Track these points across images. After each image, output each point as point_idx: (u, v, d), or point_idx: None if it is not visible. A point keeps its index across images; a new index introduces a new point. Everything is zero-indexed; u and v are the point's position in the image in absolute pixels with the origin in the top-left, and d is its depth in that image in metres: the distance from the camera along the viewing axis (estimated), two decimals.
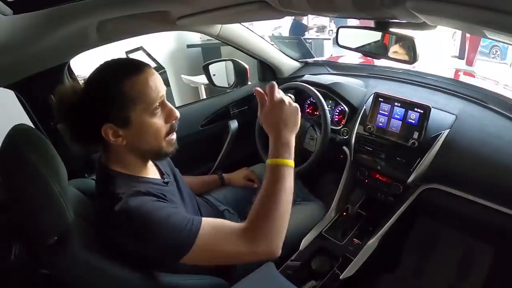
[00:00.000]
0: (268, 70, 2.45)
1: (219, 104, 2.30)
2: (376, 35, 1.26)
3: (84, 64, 1.64)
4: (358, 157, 1.90)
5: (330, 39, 7.72)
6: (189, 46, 5.47)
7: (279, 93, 1.19)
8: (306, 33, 7.96)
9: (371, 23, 1.13)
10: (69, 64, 1.53)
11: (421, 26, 0.97)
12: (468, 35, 7.36)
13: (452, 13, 0.66)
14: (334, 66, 2.48)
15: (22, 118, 1.39)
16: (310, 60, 2.65)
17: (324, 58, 3.66)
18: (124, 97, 1.02)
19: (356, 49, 1.37)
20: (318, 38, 7.93)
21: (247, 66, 2.26)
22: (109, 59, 1.11)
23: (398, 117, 1.68)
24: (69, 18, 1.00)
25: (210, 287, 1.27)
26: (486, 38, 1.17)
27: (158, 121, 1.10)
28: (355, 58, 2.78)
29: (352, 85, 2.01)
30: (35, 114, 1.49)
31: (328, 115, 1.79)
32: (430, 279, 1.97)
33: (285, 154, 1.19)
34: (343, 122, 1.98)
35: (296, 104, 1.21)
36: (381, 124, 1.75)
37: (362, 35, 1.34)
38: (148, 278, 1.12)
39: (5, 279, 1.35)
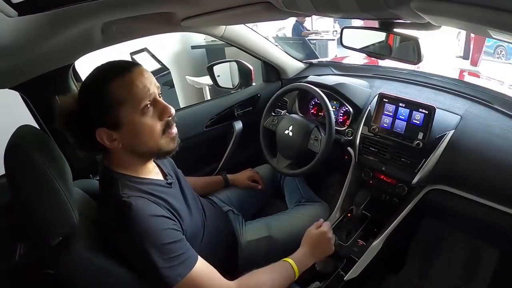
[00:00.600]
0: (272, 71, 2.45)
1: (224, 105, 2.30)
2: (380, 36, 1.25)
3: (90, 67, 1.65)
4: (362, 158, 1.89)
5: (334, 39, 7.71)
6: (193, 47, 5.50)
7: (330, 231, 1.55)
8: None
9: (375, 24, 1.13)
10: (73, 66, 1.53)
11: (426, 26, 0.97)
12: (472, 35, 7.34)
13: (457, 13, 0.66)
14: (339, 66, 2.48)
15: (27, 119, 1.39)
16: (314, 61, 2.65)
17: (328, 59, 3.67)
18: (111, 99, 1.04)
19: (361, 50, 1.37)
20: (322, 39, 7.91)
21: (251, 67, 2.26)
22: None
23: (403, 117, 1.68)
24: (73, 20, 1.01)
25: None
26: (490, 38, 1.16)
27: (151, 119, 1.10)
28: (360, 59, 2.78)
29: (356, 85, 2.01)
30: (40, 115, 1.49)
31: (333, 116, 1.78)
32: (435, 281, 1.96)
33: (299, 265, 1.40)
34: (348, 123, 1.97)
35: (332, 239, 1.55)
36: (385, 125, 1.74)
37: (366, 35, 1.34)
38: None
39: (10, 278, 1.35)
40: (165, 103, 1.13)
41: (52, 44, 1.09)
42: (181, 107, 2.52)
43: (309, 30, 8.20)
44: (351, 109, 1.95)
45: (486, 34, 0.80)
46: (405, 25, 1.07)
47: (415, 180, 1.65)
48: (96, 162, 1.66)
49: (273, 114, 2.09)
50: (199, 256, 1.13)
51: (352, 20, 7.01)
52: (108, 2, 0.92)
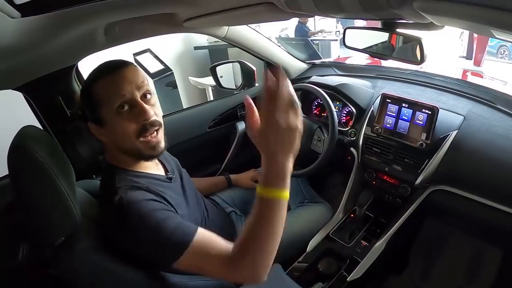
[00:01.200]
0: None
1: (227, 106, 2.30)
2: (383, 36, 1.25)
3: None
4: (365, 159, 1.89)
5: (337, 40, 7.71)
6: (196, 48, 5.50)
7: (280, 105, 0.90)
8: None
9: (378, 24, 1.12)
10: (77, 66, 1.54)
11: (428, 26, 0.97)
12: (475, 35, 7.32)
13: (460, 13, 0.66)
14: (341, 67, 2.48)
15: (31, 119, 1.40)
16: (317, 61, 2.66)
17: (331, 59, 3.65)
18: (93, 98, 1.12)
19: (363, 50, 1.37)
20: (325, 39, 7.91)
21: (254, 68, 2.26)
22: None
23: (406, 118, 1.68)
24: (76, 21, 1.01)
25: None
26: (493, 38, 1.16)
27: (125, 121, 1.11)
28: (362, 59, 2.78)
29: (359, 86, 2.01)
30: (44, 115, 1.50)
31: (336, 117, 1.79)
32: (437, 282, 1.96)
33: (279, 182, 0.95)
34: (351, 123, 1.98)
35: (299, 115, 0.95)
36: (388, 125, 1.74)
37: (369, 36, 1.34)
38: (155, 279, 1.12)
39: (13, 278, 1.35)
40: (144, 106, 1.12)
41: (55, 45, 1.09)
42: (184, 107, 2.52)
43: (311, 31, 8.19)
44: (354, 110, 1.95)
45: (489, 34, 0.80)
46: (408, 25, 1.07)
47: (418, 180, 1.65)
48: (99, 162, 1.66)
49: None
50: (198, 227, 1.08)
51: (355, 20, 7.01)
52: (111, 3, 0.92)
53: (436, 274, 1.98)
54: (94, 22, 1.11)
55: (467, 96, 1.77)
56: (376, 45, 1.32)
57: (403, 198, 1.84)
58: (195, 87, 5.24)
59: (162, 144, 1.21)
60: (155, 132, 1.17)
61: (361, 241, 1.82)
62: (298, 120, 0.94)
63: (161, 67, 4.40)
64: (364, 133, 1.87)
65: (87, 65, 1.58)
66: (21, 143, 0.95)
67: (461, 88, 1.83)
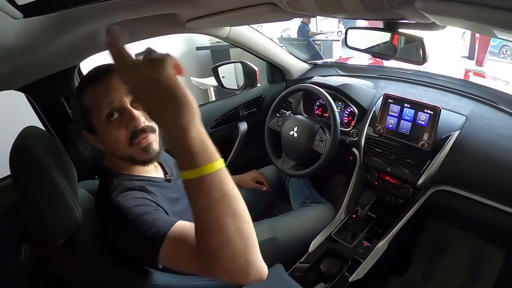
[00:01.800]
0: (277, 72, 2.45)
1: (229, 106, 2.30)
2: (385, 36, 1.25)
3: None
4: (367, 159, 1.89)
5: (339, 40, 7.70)
6: (198, 48, 5.51)
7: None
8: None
9: (380, 24, 1.12)
10: (79, 67, 1.54)
11: (430, 26, 0.96)
12: (477, 35, 7.31)
13: (462, 13, 0.66)
14: (343, 67, 2.48)
15: (33, 120, 1.40)
16: (319, 62, 2.66)
17: (333, 60, 3.65)
18: (83, 106, 1.11)
19: (365, 50, 1.36)
20: (327, 40, 7.90)
21: (256, 68, 2.26)
22: None
23: (408, 118, 1.67)
24: (79, 22, 1.01)
25: None
26: (496, 38, 1.16)
27: (115, 129, 1.10)
28: (364, 60, 2.78)
29: (361, 86, 2.01)
30: (46, 116, 1.50)
31: (338, 117, 1.78)
32: (439, 282, 1.95)
33: (190, 160, 0.71)
34: (353, 123, 1.97)
35: (159, 64, 0.72)
36: (390, 126, 1.74)
37: (371, 36, 1.33)
38: (156, 280, 1.12)
39: (15, 279, 1.36)
40: (133, 112, 1.09)
41: (57, 46, 1.09)
42: None
43: (311, 31, 8.18)
44: (356, 110, 1.95)
45: (491, 34, 0.80)
46: (410, 25, 1.07)
47: (421, 181, 1.65)
48: (101, 163, 1.66)
49: (278, 115, 2.09)
50: (179, 220, 0.98)
51: (357, 20, 7.00)
52: (113, 3, 0.92)
53: (438, 275, 1.98)
54: (96, 22, 1.11)
55: (469, 96, 1.77)
56: (378, 45, 1.32)
57: (405, 198, 1.84)
58: (197, 88, 5.24)
59: (155, 146, 1.16)
60: (145, 135, 1.13)
61: (363, 241, 1.82)
62: (163, 71, 0.71)
63: None
64: (366, 134, 1.87)
65: (89, 66, 1.59)
66: (23, 144, 0.95)
67: (463, 88, 1.83)
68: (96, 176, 1.64)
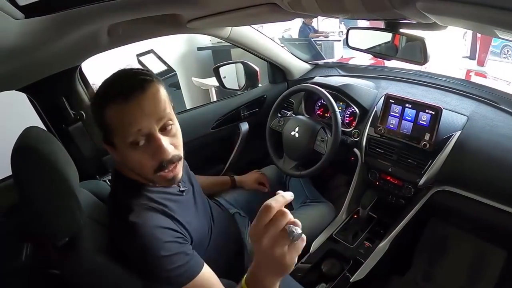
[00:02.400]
0: (278, 72, 2.46)
1: (230, 107, 2.30)
2: (386, 36, 1.25)
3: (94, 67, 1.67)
4: (369, 159, 1.89)
5: (340, 40, 7.70)
6: (199, 48, 5.52)
7: (270, 223, 0.81)
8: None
9: (381, 24, 1.12)
10: (80, 67, 1.54)
11: (432, 26, 0.96)
12: (479, 35, 7.31)
13: (463, 13, 0.66)
14: (345, 67, 2.48)
15: (34, 120, 1.40)
16: (320, 62, 2.65)
17: (334, 60, 3.66)
18: (105, 123, 1.02)
19: (366, 51, 1.36)
20: (328, 40, 7.90)
21: (257, 68, 2.26)
22: (122, 66, 1.10)
23: (409, 118, 1.67)
24: (80, 22, 1.01)
25: None
26: (497, 38, 1.16)
27: (141, 155, 1.03)
28: (366, 60, 2.78)
29: (362, 86, 2.01)
30: (47, 116, 1.50)
31: (339, 117, 1.78)
32: (441, 283, 1.95)
33: None
34: (354, 124, 1.97)
35: (301, 241, 0.86)
36: (392, 126, 1.74)
37: (372, 36, 1.33)
38: None
39: (16, 279, 1.36)
40: (162, 144, 1.02)
41: (59, 46, 1.10)
42: (187, 108, 2.53)
43: (317, 31, 8.17)
44: (357, 110, 1.95)
45: (492, 34, 0.80)
46: (411, 26, 1.07)
47: (422, 181, 1.65)
48: (103, 163, 1.66)
49: (279, 115, 2.09)
50: (204, 264, 1.10)
51: (358, 20, 7.00)
52: (114, 4, 0.92)
53: (439, 275, 1.98)
54: (98, 23, 1.11)
55: (470, 96, 1.76)
56: (379, 45, 1.32)
57: (406, 198, 1.83)
58: (199, 88, 5.25)
59: (180, 175, 1.13)
60: (174, 167, 1.09)
61: (364, 242, 1.83)
62: (290, 254, 0.81)
63: (164, 68, 4.41)
64: (368, 134, 1.87)
65: (91, 66, 1.59)
66: (25, 144, 0.95)
67: (465, 89, 1.83)
68: (97, 177, 1.64)
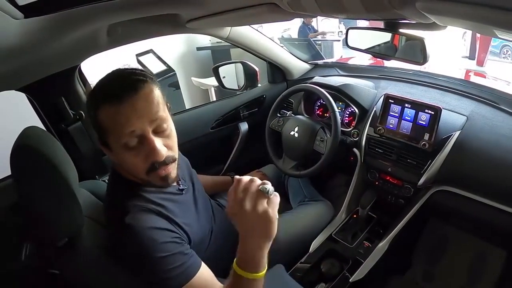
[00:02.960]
0: (277, 72, 2.45)
1: (229, 106, 2.30)
2: (386, 36, 1.25)
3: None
4: (368, 159, 1.89)
5: (339, 40, 7.70)
6: (199, 48, 5.52)
7: (244, 191, 0.96)
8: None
9: (381, 24, 1.12)
10: (79, 67, 1.54)
11: (431, 26, 0.97)
12: (478, 35, 7.31)
13: (462, 13, 0.66)
14: (344, 67, 2.49)
15: (34, 120, 1.40)
16: (319, 62, 2.65)
17: (333, 60, 3.66)
18: (99, 124, 1.01)
19: (366, 50, 1.37)
20: (328, 40, 7.90)
21: (257, 68, 2.26)
22: (118, 65, 1.10)
23: (409, 118, 1.67)
24: (79, 22, 1.01)
25: None
26: (496, 38, 1.16)
27: (134, 156, 1.02)
28: (365, 60, 2.78)
29: (362, 86, 2.01)
30: (46, 116, 1.50)
31: (338, 117, 1.79)
32: (440, 283, 1.96)
33: (249, 268, 0.99)
34: (353, 124, 1.97)
35: (275, 196, 0.98)
36: (391, 126, 1.74)
37: (372, 36, 1.34)
38: None
39: (16, 279, 1.36)
40: (154, 145, 1.01)
41: (58, 46, 1.09)
42: (187, 108, 2.53)
43: (316, 31, 8.17)
44: (356, 110, 1.95)
45: (492, 34, 0.80)
46: (410, 26, 1.07)
47: (421, 181, 1.65)
48: (102, 163, 1.66)
49: (278, 115, 2.09)
50: (202, 264, 1.10)
51: (357, 20, 7.00)
52: (114, 4, 0.92)
53: (439, 275, 1.98)
54: (97, 23, 1.11)
55: (470, 96, 1.77)
56: (378, 45, 1.32)
57: (406, 198, 1.84)
58: (198, 88, 5.26)
59: (174, 174, 1.12)
60: (166, 166, 1.08)
61: (364, 241, 1.83)
62: (271, 208, 0.96)
63: (163, 67, 4.41)
64: (367, 134, 1.87)
65: (90, 66, 1.59)
66: (24, 144, 0.95)
67: (464, 89, 1.83)
68: (97, 176, 1.64)
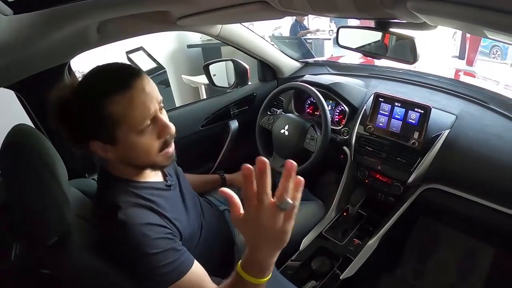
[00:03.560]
0: (268, 70, 2.45)
1: (220, 104, 2.30)
2: (377, 35, 1.26)
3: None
4: (358, 157, 1.90)
5: (330, 39, 7.71)
6: (189, 46, 5.49)
7: (265, 199, 0.80)
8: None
9: (372, 23, 1.13)
10: (69, 64, 1.53)
11: (422, 26, 0.97)
12: (468, 35, 7.36)
13: (452, 13, 0.66)
14: (335, 66, 2.49)
15: (23, 118, 1.39)
16: (310, 60, 2.65)
17: (324, 58, 3.66)
18: (109, 117, 0.97)
19: (357, 49, 1.37)
20: (319, 38, 7.91)
21: (247, 66, 2.26)
22: (103, 62, 1.06)
23: (399, 117, 1.68)
24: (69, 18, 1.00)
25: None
26: (486, 38, 1.17)
27: (148, 138, 1.05)
28: (356, 58, 2.78)
29: (352, 85, 2.01)
30: (36, 114, 1.49)
31: (329, 115, 1.79)
32: (430, 280, 1.97)
33: (257, 274, 0.91)
34: (344, 122, 1.98)
35: (290, 218, 0.86)
36: (381, 124, 1.75)
37: (363, 35, 1.34)
38: None
39: (6, 279, 1.35)
40: (165, 121, 1.06)
41: (48, 43, 1.09)
42: (177, 106, 2.52)
43: (308, 29, 8.18)
44: (347, 109, 1.96)
45: (481, 34, 0.80)
46: (401, 25, 1.07)
47: (411, 179, 1.66)
48: (92, 161, 1.65)
49: (269, 113, 2.09)
50: (195, 261, 1.10)
51: (349, 19, 7.02)
52: (104, 0, 0.92)
53: (429, 272, 2.00)
54: (87, 19, 1.10)
55: (459, 95, 1.78)
56: (369, 44, 1.32)
57: (395, 196, 1.85)
58: (188, 86, 5.23)
59: (174, 153, 1.16)
60: (172, 143, 1.13)
61: (354, 239, 1.83)
62: (287, 223, 0.85)
63: (154, 65, 4.39)
64: (357, 132, 1.87)
65: (79, 63, 1.58)
66: (13, 142, 0.94)
67: (454, 88, 1.84)
68: (87, 175, 1.63)
